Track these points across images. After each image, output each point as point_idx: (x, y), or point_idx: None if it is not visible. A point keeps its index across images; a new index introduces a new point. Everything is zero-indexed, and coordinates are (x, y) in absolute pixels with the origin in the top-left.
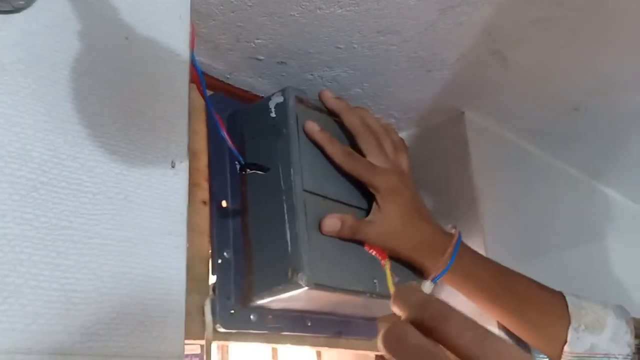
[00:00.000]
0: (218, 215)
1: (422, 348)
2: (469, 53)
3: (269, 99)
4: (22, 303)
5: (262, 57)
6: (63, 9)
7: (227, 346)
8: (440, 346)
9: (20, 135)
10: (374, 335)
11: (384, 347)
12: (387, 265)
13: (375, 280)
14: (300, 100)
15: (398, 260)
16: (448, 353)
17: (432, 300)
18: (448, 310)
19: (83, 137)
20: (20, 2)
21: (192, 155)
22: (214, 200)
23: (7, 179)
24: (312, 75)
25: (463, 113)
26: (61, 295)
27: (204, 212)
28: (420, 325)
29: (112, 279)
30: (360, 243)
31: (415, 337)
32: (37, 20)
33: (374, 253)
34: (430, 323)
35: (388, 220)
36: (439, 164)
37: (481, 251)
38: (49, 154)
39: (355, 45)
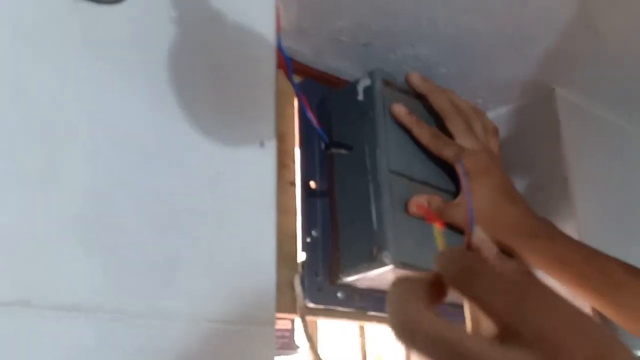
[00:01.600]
0: (306, 195)
1: (435, 338)
2: (559, 26)
3: (356, 82)
4: (130, 268)
5: (345, 39)
6: None
7: (316, 322)
8: (462, 329)
9: (124, 111)
10: None
11: (398, 339)
12: (438, 233)
13: None
14: (387, 83)
15: None
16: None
17: (463, 257)
18: (480, 266)
19: (181, 117)
20: None
21: (280, 137)
22: (303, 181)
23: (111, 151)
24: (395, 55)
25: (553, 90)
26: (165, 262)
27: (292, 193)
28: (454, 286)
29: (209, 249)
30: (448, 226)
31: (430, 322)
32: (136, 9)
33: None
34: (461, 283)
35: (476, 203)
36: (529, 144)
37: (574, 234)
38: (150, 131)
39: (440, 23)
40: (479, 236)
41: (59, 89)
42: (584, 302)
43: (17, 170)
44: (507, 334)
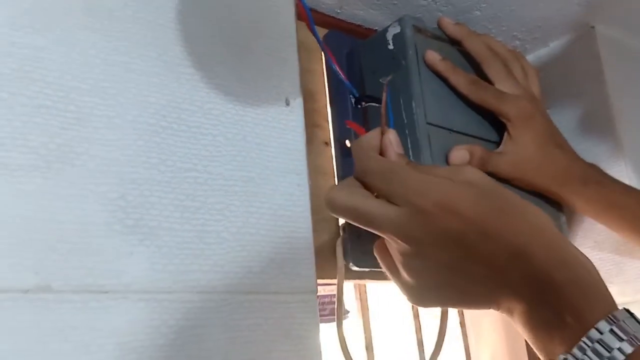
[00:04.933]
0: (342, 155)
1: (346, 206)
2: None
3: (385, 30)
4: (158, 244)
5: None
6: None
7: (365, 285)
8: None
9: (136, 82)
10: None
11: (329, 208)
12: None
13: None
14: (418, 30)
15: (534, 193)
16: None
17: (361, 158)
18: (370, 163)
19: (197, 80)
20: None
21: (309, 96)
22: (338, 140)
23: (129, 125)
24: (425, 0)
25: (593, 27)
26: (194, 236)
27: (327, 153)
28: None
29: (240, 219)
30: (492, 176)
31: (341, 196)
32: None
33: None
34: (362, 179)
35: (521, 150)
36: (571, 85)
37: (623, 177)
38: (166, 99)
39: None
40: (390, 138)
41: (66, 65)
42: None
43: (33, 156)
44: (387, 200)
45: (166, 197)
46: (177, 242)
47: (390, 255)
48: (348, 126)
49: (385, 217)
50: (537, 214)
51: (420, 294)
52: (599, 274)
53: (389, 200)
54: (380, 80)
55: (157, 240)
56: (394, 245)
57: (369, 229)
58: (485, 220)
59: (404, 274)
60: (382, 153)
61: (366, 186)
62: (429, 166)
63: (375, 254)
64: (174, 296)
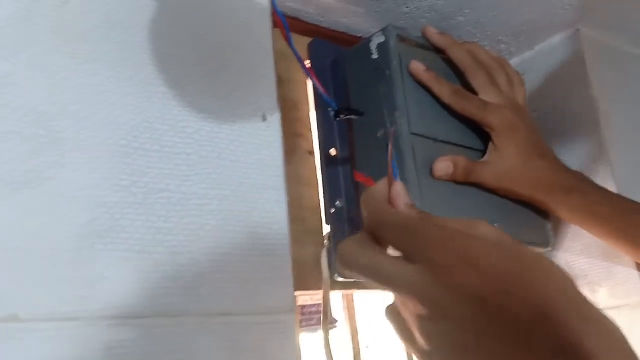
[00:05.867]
0: (327, 164)
1: (362, 263)
2: None
3: (369, 40)
4: (130, 269)
5: None
6: None
7: (352, 295)
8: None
9: (106, 103)
10: None
11: (340, 266)
12: None
13: (495, 225)
14: (402, 39)
15: (519, 201)
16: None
17: (373, 211)
18: (387, 216)
19: (170, 99)
20: None
21: (292, 106)
22: (322, 150)
23: (100, 147)
24: (408, 7)
25: (578, 30)
26: (167, 259)
27: (311, 163)
28: (369, 230)
29: (215, 239)
30: (477, 186)
31: (356, 253)
32: None
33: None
34: (373, 228)
35: (505, 160)
36: (556, 88)
37: (610, 184)
38: (138, 119)
39: None
40: (398, 190)
41: (34, 90)
42: (625, 256)
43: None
44: (406, 259)
45: (138, 220)
46: (149, 265)
47: (404, 321)
48: (356, 179)
49: (401, 276)
50: (561, 274)
51: None
52: (624, 336)
53: (406, 256)
54: (380, 134)
55: (128, 264)
56: (410, 309)
57: (385, 289)
58: (508, 278)
59: (420, 341)
60: (390, 204)
61: (379, 240)
62: (442, 219)
63: (387, 319)
64: (146, 321)
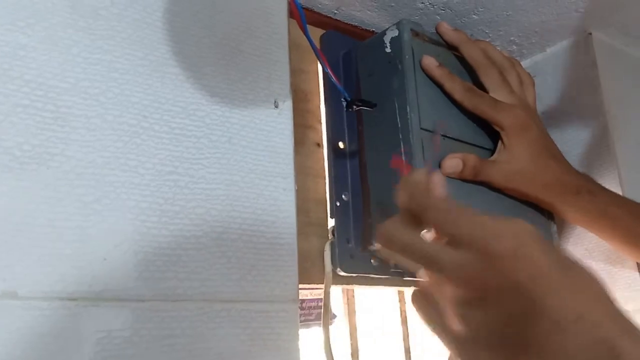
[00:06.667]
0: (335, 156)
1: (405, 242)
2: None
3: (383, 33)
4: (134, 250)
5: None
6: None
7: (353, 290)
8: (422, 234)
9: (119, 81)
10: None
11: (380, 244)
12: None
13: None
14: (416, 34)
15: (526, 202)
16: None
17: (416, 194)
18: (427, 201)
19: (182, 80)
20: None
21: (303, 96)
22: (331, 142)
23: (109, 126)
24: (422, 3)
25: (590, 34)
26: (171, 242)
27: (319, 155)
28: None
29: (221, 224)
30: (484, 185)
31: (400, 232)
32: None
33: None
34: (418, 215)
35: (514, 160)
36: (566, 91)
37: (617, 188)
38: (149, 99)
39: None
40: (439, 179)
41: (46, 63)
42: (628, 260)
43: (8, 157)
44: (451, 243)
45: (144, 201)
46: (153, 247)
47: (434, 305)
48: (393, 165)
49: (450, 259)
50: (598, 280)
51: (474, 350)
52: None
53: (451, 240)
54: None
55: (133, 245)
56: (447, 292)
57: (425, 269)
58: (553, 273)
59: (458, 326)
60: None
61: (421, 223)
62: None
63: (414, 303)
64: (147, 304)
